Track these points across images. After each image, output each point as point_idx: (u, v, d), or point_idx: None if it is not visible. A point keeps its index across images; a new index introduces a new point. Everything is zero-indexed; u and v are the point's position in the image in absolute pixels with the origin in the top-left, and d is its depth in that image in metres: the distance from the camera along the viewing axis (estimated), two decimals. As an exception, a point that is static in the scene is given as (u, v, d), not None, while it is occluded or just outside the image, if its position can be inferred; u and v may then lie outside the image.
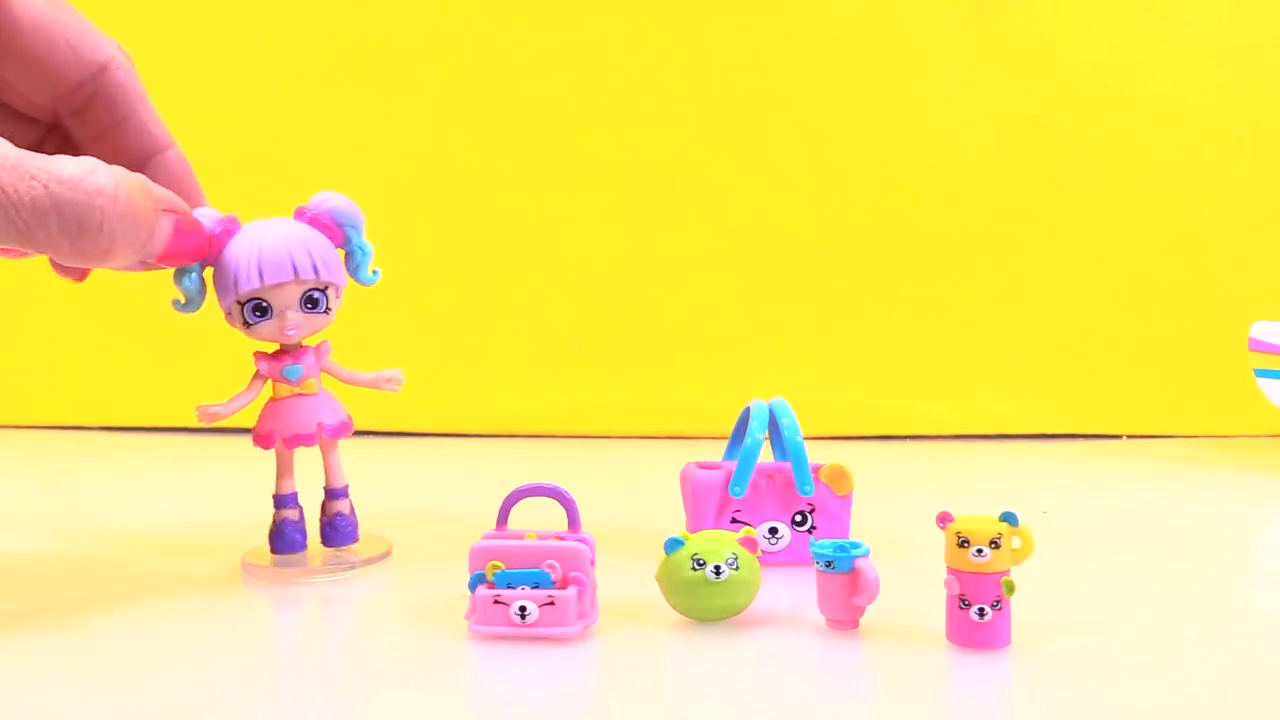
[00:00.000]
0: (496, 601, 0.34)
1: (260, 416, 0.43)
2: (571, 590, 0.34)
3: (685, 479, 0.45)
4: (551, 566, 0.34)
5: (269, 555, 0.43)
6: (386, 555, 0.44)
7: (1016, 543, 0.33)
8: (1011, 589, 0.33)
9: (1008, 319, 0.83)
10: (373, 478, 0.67)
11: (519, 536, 0.35)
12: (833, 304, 0.83)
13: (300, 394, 0.42)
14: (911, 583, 0.37)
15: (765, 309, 0.83)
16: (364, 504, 0.45)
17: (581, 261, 0.83)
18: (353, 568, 0.43)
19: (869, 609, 0.35)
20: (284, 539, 0.43)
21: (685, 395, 0.82)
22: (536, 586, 0.34)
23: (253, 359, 0.43)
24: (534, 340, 0.82)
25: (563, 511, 0.37)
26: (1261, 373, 0.70)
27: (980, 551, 0.32)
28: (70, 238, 0.33)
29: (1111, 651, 0.33)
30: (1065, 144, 0.81)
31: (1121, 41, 0.81)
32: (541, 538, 0.35)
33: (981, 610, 0.33)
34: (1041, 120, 0.81)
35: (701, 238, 0.82)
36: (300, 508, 0.44)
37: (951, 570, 0.33)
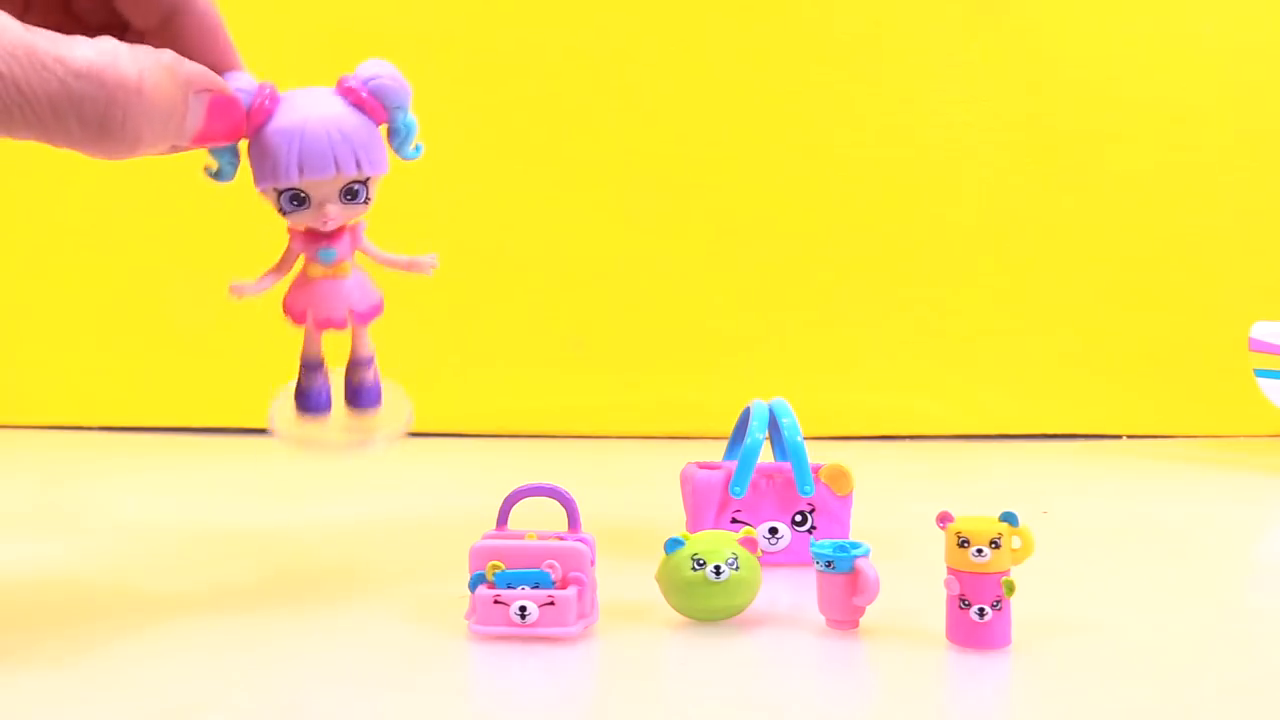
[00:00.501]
0: (497, 601, 0.34)
1: (291, 292, 0.40)
2: (572, 590, 0.34)
3: (685, 479, 0.44)
4: (551, 566, 0.34)
5: (293, 412, 0.41)
6: (408, 423, 0.42)
7: (1016, 543, 0.33)
8: (1011, 589, 0.33)
9: (1008, 319, 0.83)
10: (373, 478, 0.67)
11: (519, 536, 0.35)
12: (833, 304, 0.83)
13: (333, 276, 0.40)
14: (911, 583, 0.37)
15: (765, 309, 0.83)
16: (365, 504, 0.45)
17: (581, 262, 0.83)
18: (374, 443, 0.41)
19: (869, 609, 0.35)
20: (313, 398, 0.41)
21: (685, 395, 0.82)
22: (536, 586, 0.34)
23: (287, 234, 0.40)
24: (534, 340, 0.82)
25: (563, 511, 0.37)
26: (1261, 373, 0.70)
27: (980, 551, 0.32)
28: (92, 136, 0.30)
29: (1111, 651, 0.33)
30: (1066, 144, 0.82)
31: (1122, 42, 0.81)
32: (542, 538, 0.35)
33: (981, 610, 0.33)
34: (1042, 121, 0.81)
35: (702, 238, 0.82)
36: (327, 371, 0.41)
37: (951, 570, 0.33)
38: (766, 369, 0.83)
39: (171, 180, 0.84)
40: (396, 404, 0.43)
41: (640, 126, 0.82)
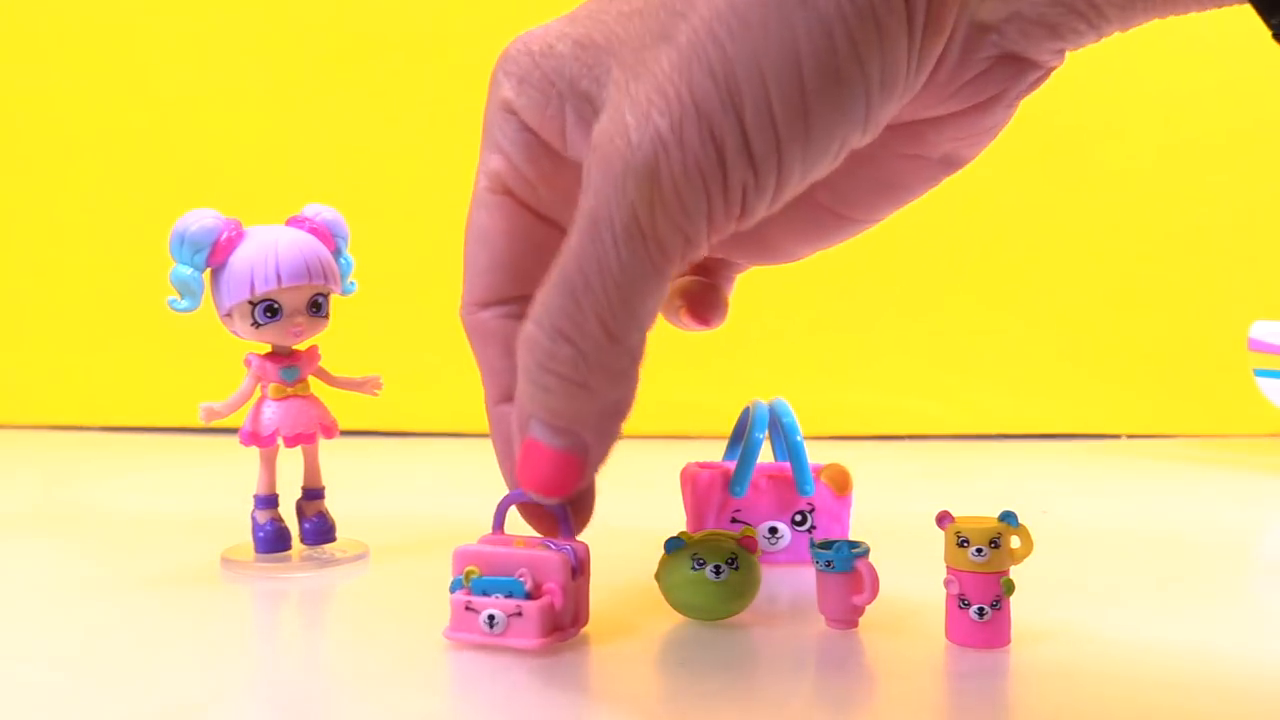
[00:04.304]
0: (468, 609, 0.33)
1: (255, 416, 0.43)
2: (542, 602, 0.32)
3: (685, 479, 0.45)
4: (524, 575, 0.33)
5: (250, 552, 0.44)
6: (365, 554, 0.45)
7: (1016, 542, 0.33)
8: (1011, 588, 0.33)
9: (1007, 319, 0.83)
10: (372, 478, 0.67)
11: (508, 542, 0.34)
12: (832, 304, 0.83)
13: (297, 395, 0.44)
14: (911, 583, 0.37)
15: (765, 309, 0.83)
16: (364, 504, 0.45)
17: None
18: (338, 563, 0.44)
19: (869, 609, 0.35)
20: (277, 539, 0.44)
21: (685, 395, 0.82)
22: (510, 596, 0.33)
23: (247, 360, 0.44)
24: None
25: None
26: (1261, 372, 0.70)
27: (980, 551, 0.32)
28: None
29: (1111, 651, 0.33)
30: (1065, 143, 0.82)
31: (1120, 40, 0.81)
32: (528, 544, 0.34)
33: (981, 610, 0.33)
34: (1039, 119, 0.81)
35: (701, 238, 0.82)
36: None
37: (951, 570, 0.33)
38: (766, 369, 0.83)
39: (171, 180, 0.85)
40: (350, 540, 0.46)
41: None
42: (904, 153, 0.32)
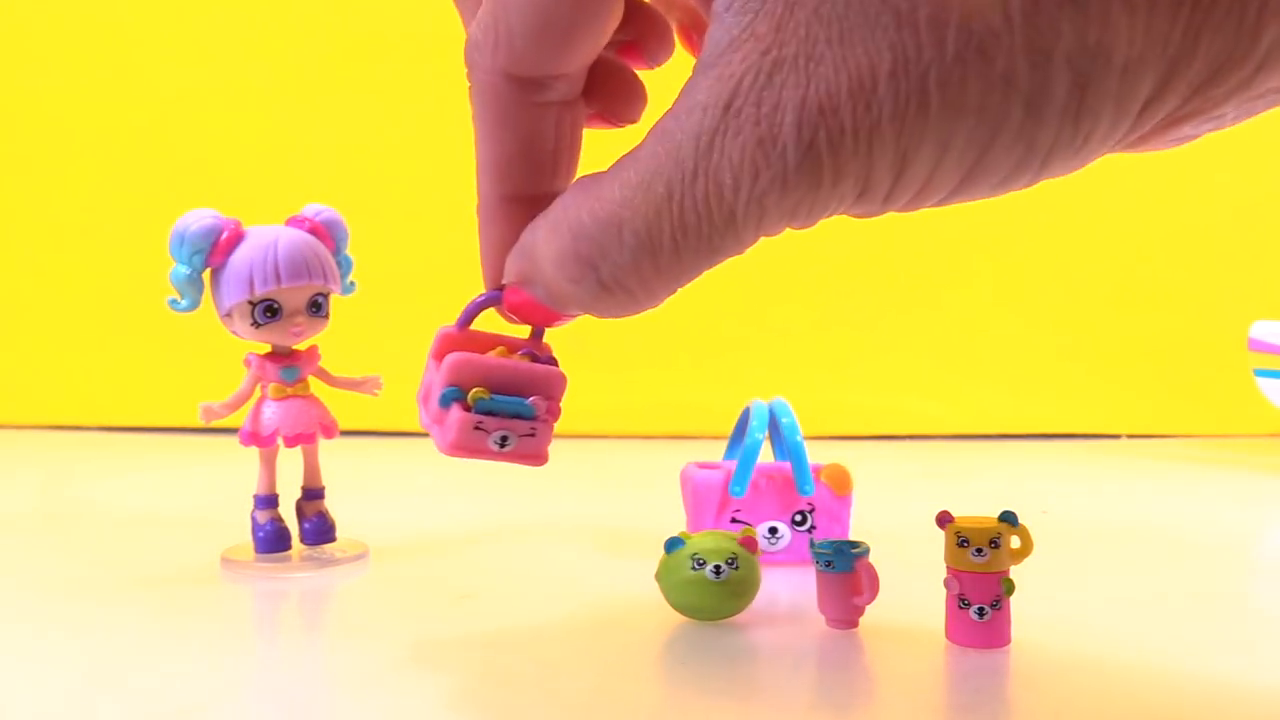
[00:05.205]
0: (478, 428, 0.30)
1: (255, 416, 0.43)
2: (551, 421, 0.31)
3: (685, 479, 0.45)
4: (535, 402, 0.31)
5: (250, 552, 0.44)
6: (365, 554, 0.45)
7: (1016, 542, 0.33)
8: (1011, 588, 0.33)
9: (1006, 318, 0.83)
10: (372, 478, 0.67)
11: (487, 345, 0.32)
12: (832, 304, 0.83)
13: (297, 395, 0.44)
14: (911, 583, 0.37)
15: (765, 309, 0.83)
16: (364, 504, 0.45)
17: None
18: (338, 563, 0.44)
19: (869, 609, 0.35)
20: (277, 539, 0.44)
21: (685, 395, 0.82)
22: (516, 416, 0.31)
23: (247, 360, 0.44)
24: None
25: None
26: (1261, 373, 0.70)
27: (980, 551, 0.32)
28: None
29: (1111, 651, 0.33)
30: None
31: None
32: (510, 353, 0.32)
33: (981, 610, 0.33)
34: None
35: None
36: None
37: (951, 570, 0.33)
38: (766, 369, 0.83)
39: (171, 180, 0.85)
40: (350, 540, 0.46)
41: (639, 125, 0.82)
42: None
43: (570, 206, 0.24)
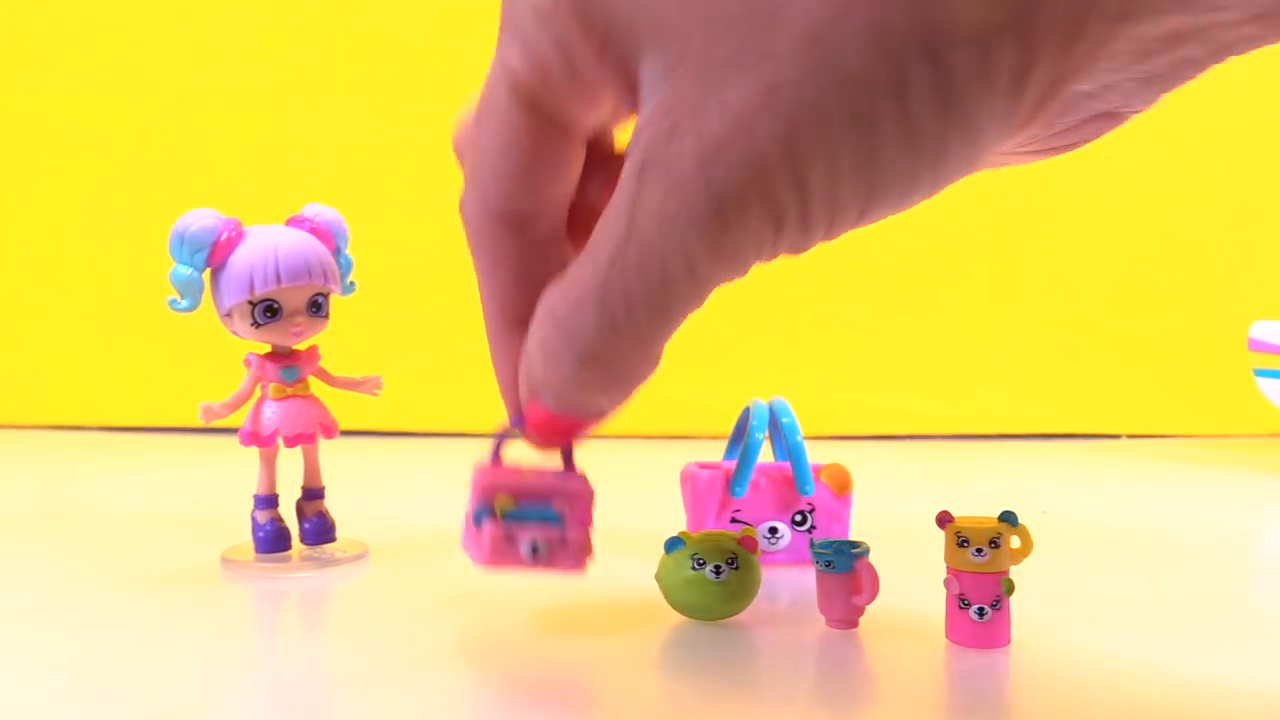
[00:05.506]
0: (508, 538, 0.31)
1: (255, 416, 0.43)
2: (583, 529, 0.32)
3: (685, 479, 0.45)
4: (561, 507, 0.32)
5: (250, 552, 0.44)
6: (365, 554, 0.45)
7: (1016, 542, 0.33)
8: (1011, 588, 0.33)
9: (1006, 318, 0.83)
10: (372, 478, 0.67)
11: (518, 471, 0.32)
12: (832, 304, 0.83)
13: (297, 395, 0.44)
14: (911, 583, 0.37)
15: (765, 309, 0.83)
16: (364, 504, 0.45)
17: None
18: (338, 563, 0.44)
19: (869, 609, 0.35)
20: (277, 539, 0.44)
21: (685, 395, 0.82)
22: (544, 523, 0.31)
23: (247, 360, 0.44)
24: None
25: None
26: (1261, 373, 0.70)
27: (980, 551, 0.32)
28: None
29: (1111, 651, 0.33)
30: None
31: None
32: (540, 473, 0.32)
33: (981, 610, 0.33)
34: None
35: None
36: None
37: (951, 570, 0.33)
38: (766, 369, 0.83)
39: (171, 180, 0.85)
40: (350, 540, 0.47)
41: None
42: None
43: (551, 299, 0.26)
